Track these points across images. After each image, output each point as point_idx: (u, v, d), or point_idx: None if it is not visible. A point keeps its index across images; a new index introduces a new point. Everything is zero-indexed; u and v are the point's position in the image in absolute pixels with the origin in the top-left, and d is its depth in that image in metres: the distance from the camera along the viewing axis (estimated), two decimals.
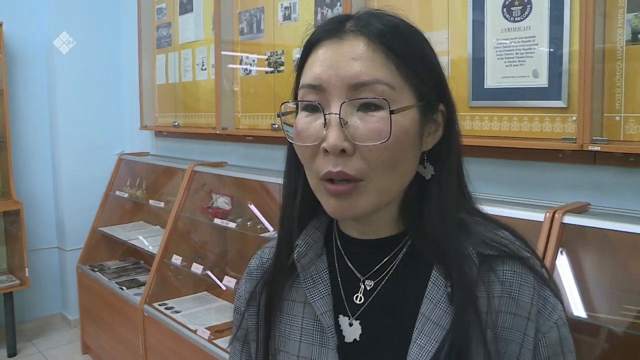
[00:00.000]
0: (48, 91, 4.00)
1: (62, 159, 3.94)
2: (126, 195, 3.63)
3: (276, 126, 2.66)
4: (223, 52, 2.95)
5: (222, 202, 2.97)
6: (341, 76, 0.67)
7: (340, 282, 0.79)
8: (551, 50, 1.66)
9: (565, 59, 1.64)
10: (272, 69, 2.71)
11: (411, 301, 0.73)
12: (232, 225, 2.63)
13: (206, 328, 2.50)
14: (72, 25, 3.87)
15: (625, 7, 1.51)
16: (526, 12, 1.71)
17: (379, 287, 0.77)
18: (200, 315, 2.77)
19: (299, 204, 0.79)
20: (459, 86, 1.84)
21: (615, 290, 1.54)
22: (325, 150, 0.67)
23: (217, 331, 2.51)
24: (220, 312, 2.82)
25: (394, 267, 0.76)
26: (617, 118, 1.57)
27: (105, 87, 4.08)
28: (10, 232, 3.86)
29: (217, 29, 2.94)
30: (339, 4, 2.35)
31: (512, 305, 0.70)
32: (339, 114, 0.67)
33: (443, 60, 1.44)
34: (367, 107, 0.67)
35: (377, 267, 0.77)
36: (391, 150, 0.67)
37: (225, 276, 2.56)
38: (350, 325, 0.77)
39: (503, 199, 1.78)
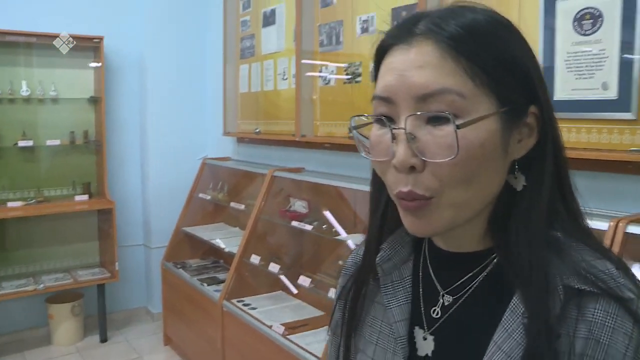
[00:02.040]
0: (139, 100, 4.31)
1: (151, 163, 4.22)
2: (209, 197, 3.85)
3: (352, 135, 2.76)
4: (303, 61, 3.09)
5: (299, 205, 3.10)
6: (408, 86, 0.62)
7: (421, 292, 0.75)
8: (621, 63, 1.67)
9: (635, 72, 1.64)
10: (349, 77, 2.82)
11: (486, 325, 0.67)
12: (309, 227, 2.76)
13: (281, 324, 2.63)
14: (161, 38, 4.16)
15: None
16: (597, 26, 1.72)
17: (457, 304, 0.72)
18: (275, 313, 2.90)
19: (383, 208, 0.76)
20: None
21: None
22: (395, 167, 0.63)
23: (290, 328, 2.64)
24: (294, 310, 2.94)
25: (475, 286, 0.71)
26: None
27: (191, 96, 4.34)
28: (102, 229, 4.18)
29: (299, 40, 3.08)
30: None
31: (599, 352, 0.59)
32: (405, 129, 0.62)
33: None
34: (437, 119, 0.61)
35: (458, 282, 0.72)
36: (462, 165, 0.61)
37: (301, 276, 2.68)
38: (425, 339, 0.73)
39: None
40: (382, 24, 2.60)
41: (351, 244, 2.55)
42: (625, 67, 1.66)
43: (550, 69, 1.84)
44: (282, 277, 3.01)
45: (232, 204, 3.54)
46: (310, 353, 2.34)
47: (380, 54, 0.67)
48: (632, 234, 1.48)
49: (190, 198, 3.97)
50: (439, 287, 0.73)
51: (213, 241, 3.57)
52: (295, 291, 3.05)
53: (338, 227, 2.79)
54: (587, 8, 1.74)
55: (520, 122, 0.65)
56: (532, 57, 0.66)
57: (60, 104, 3.99)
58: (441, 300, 0.73)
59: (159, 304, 4.16)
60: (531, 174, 0.66)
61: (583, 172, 1.83)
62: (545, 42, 1.86)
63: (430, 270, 0.75)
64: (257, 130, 3.61)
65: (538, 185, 0.66)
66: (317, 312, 2.89)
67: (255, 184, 3.64)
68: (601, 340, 0.59)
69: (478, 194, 0.64)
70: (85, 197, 3.96)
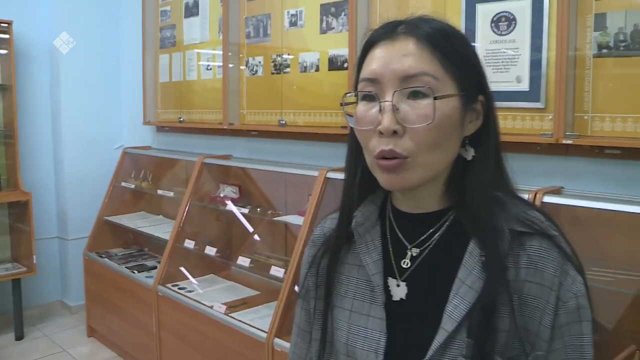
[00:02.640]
0: (51, 88, 4.18)
1: (65, 153, 4.13)
2: (133, 186, 3.86)
3: (284, 122, 2.95)
4: (230, 54, 3.21)
5: (229, 191, 3.24)
6: (393, 70, 0.78)
7: (390, 249, 0.90)
8: (532, 60, 2.00)
9: (543, 67, 1.98)
10: (277, 68, 2.99)
11: (450, 267, 0.83)
12: (245, 210, 2.91)
13: (222, 304, 2.77)
14: (73, 25, 4.06)
15: (592, 27, 1.86)
16: (511, 28, 2.05)
17: (423, 254, 0.87)
18: (212, 294, 3.03)
19: (358, 182, 0.91)
20: None
21: (585, 257, 1.89)
22: (380, 132, 0.78)
23: (231, 307, 2.78)
24: (229, 291, 3.09)
25: (437, 238, 0.86)
26: (586, 117, 1.92)
27: (106, 84, 4.28)
28: (15, 222, 4.03)
29: (225, 32, 3.20)
30: (343, 13, 2.65)
31: (537, 276, 0.78)
32: (392, 102, 0.78)
33: None
34: (416, 95, 0.78)
35: (423, 237, 0.87)
36: (435, 132, 0.78)
37: (240, 257, 2.83)
38: (398, 285, 0.88)
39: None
40: (311, 19, 2.80)
41: (290, 222, 2.74)
42: (535, 63, 1.99)
43: None
44: (218, 257, 3.13)
45: (160, 192, 3.59)
46: (257, 328, 2.50)
47: (366, 48, 0.84)
48: (547, 202, 1.82)
49: (111, 187, 3.94)
50: (406, 243, 0.88)
51: (141, 229, 3.61)
52: (233, 268, 3.18)
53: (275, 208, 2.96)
54: (502, 12, 2.06)
55: (471, 106, 0.83)
56: (479, 58, 0.85)
57: None
58: (409, 253, 0.88)
59: (78, 296, 4.11)
60: (479, 148, 0.84)
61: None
62: None
63: (397, 230, 0.90)
64: (181, 119, 3.68)
65: (485, 157, 0.84)
66: (253, 292, 3.05)
67: (179, 171, 3.71)
68: (538, 267, 0.79)
69: (441, 158, 0.81)
70: None
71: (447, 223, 0.86)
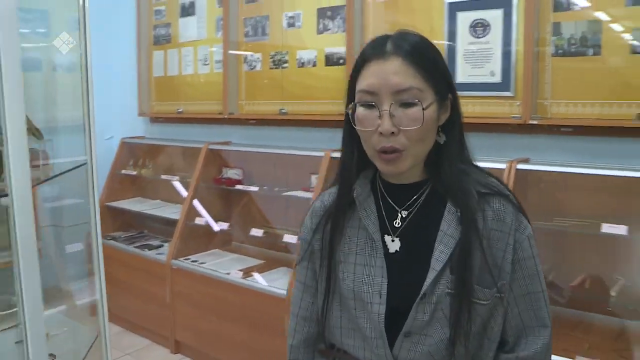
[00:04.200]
0: None
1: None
2: (134, 172, 4.16)
3: (285, 111, 3.37)
4: (230, 52, 3.59)
5: (232, 173, 3.63)
6: (388, 85, 0.98)
7: (384, 213, 1.10)
8: (503, 58, 2.53)
9: (512, 63, 2.50)
10: (276, 63, 3.40)
11: (433, 223, 1.04)
12: (255, 189, 3.32)
13: (238, 270, 3.18)
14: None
15: (551, 32, 2.40)
16: (486, 32, 2.56)
17: (411, 215, 1.08)
18: (223, 264, 3.42)
19: (355, 162, 1.11)
20: None
21: (549, 209, 2.44)
22: (380, 133, 0.99)
23: (246, 272, 3.19)
24: (237, 261, 3.48)
25: (420, 202, 1.08)
26: (546, 102, 2.46)
27: (98, 78, 4.52)
28: None
29: (226, 31, 3.57)
30: (338, 17, 3.09)
31: (499, 224, 1.02)
32: (389, 110, 0.98)
33: None
34: (408, 104, 0.98)
35: (409, 202, 1.08)
36: (422, 131, 0.99)
37: (252, 229, 3.24)
38: (392, 241, 1.08)
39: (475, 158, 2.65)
40: (309, 21, 3.22)
41: (300, 196, 3.17)
42: (506, 60, 2.51)
43: (453, 60, 2.65)
44: (231, 233, 3.51)
45: (164, 176, 3.93)
46: (276, 287, 2.93)
47: (361, 63, 1.03)
48: (519, 168, 2.37)
49: (112, 174, 4.23)
50: (396, 207, 1.09)
51: (146, 211, 3.94)
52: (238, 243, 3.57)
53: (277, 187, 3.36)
54: (479, 19, 2.57)
55: (443, 104, 1.04)
56: (445, 61, 1.06)
57: None
58: (400, 214, 1.09)
59: None
60: (449, 133, 1.06)
61: (479, 133, 2.68)
62: (449, 42, 2.66)
63: (388, 198, 1.11)
64: (180, 110, 4.02)
65: (453, 139, 1.06)
66: (258, 261, 3.46)
67: (176, 158, 4.05)
68: (499, 217, 1.03)
69: (426, 147, 1.04)
70: None
71: (427, 190, 1.08)
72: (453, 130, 1.06)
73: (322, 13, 3.17)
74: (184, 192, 3.74)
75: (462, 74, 2.64)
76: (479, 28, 2.58)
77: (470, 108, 2.63)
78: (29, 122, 1.45)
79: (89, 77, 1.97)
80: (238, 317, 3.11)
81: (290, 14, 3.32)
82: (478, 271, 1.00)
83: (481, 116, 2.62)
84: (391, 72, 0.98)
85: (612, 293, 2.24)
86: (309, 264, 1.17)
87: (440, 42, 2.68)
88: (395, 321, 1.02)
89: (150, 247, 3.81)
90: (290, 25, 3.32)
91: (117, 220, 4.30)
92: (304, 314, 1.17)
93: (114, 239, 4.05)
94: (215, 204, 3.66)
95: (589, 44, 2.32)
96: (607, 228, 2.17)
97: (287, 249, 3.31)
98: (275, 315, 2.90)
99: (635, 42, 2.22)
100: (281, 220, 3.39)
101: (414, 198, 1.08)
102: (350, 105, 1.05)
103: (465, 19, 2.62)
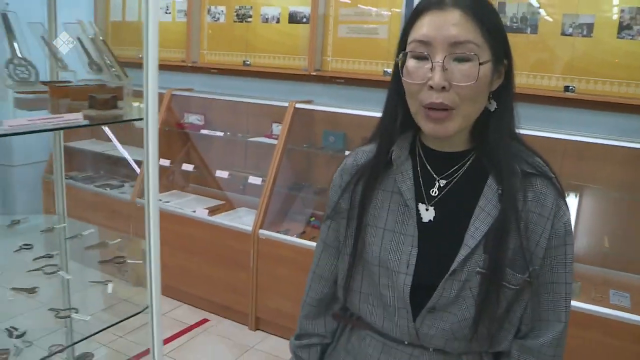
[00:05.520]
0: None
1: None
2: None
3: (249, 62, 3.61)
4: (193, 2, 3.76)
5: (194, 119, 3.85)
6: (444, 36, 0.90)
7: (421, 179, 1.03)
8: None
9: None
10: (240, 17, 3.62)
11: (471, 197, 0.98)
12: (220, 134, 3.59)
13: (203, 208, 3.46)
14: None
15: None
16: None
17: (449, 185, 1.01)
18: (185, 204, 3.68)
19: (400, 122, 1.04)
20: None
21: None
22: (431, 87, 0.90)
23: (211, 211, 3.49)
24: (198, 201, 3.76)
25: (461, 172, 1.01)
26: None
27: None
28: None
29: None
30: None
31: (539, 208, 0.96)
32: (442, 62, 0.90)
33: (384, 28, 2.73)
34: (462, 59, 0.90)
35: (449, 171, 1.01)
36: (475, 88, 0.91)
37: (217, 170, 3.52)
38: (427, 210, 1.01)
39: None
40: None
41: (263, 141, 3.47)
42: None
43: None
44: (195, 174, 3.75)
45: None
46: (241, 224, 3.26)
47: (416, 14, 0.95)
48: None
49: None
50: (434, 175, 1.03)
51: (106, 152, 4.10)
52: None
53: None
54: None
55: (497, 68, 0.96)
56: (504, 29, 0.97)
57: None
58: (437, 183, 1.02)
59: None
60: (501, 101, 0.98)
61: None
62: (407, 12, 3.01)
63: (427, 164, 1.04)
64: (141, 57, 4.12)
65: (505, 109, 0.99)
66: (218, 202, 3.75)
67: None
68: (540, 200, 0.97)
69: (476, 110, 0.95)
70: None
71: (469, 161, 1.01)
72: (506, 98, 0.99)
73: None
74: None
75: None
76: None
77: None
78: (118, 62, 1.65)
79: None
80: (207, 252, 3.40)
81: None
82: (511, 254, 0.95)
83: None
84: (450, 22, 0.91)
85: None
86: (333, 223, 1.13)
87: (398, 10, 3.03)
88: (418, 294, 0.98)
89: (112, 187, 3.99)
90: None
91: (74, 161, 4.40)
92: (321, 272, 1.16)
93: (71, 178, 4.17)
94: (179, 146, 3.88)
95: (528, 23, 2.75)
96: None
97: (244, 190, 3.63)
98: (241, 250, 3.23)
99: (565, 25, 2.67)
100: (244, 163, 3.69)
101: (455, 168, 1.02)
102: (400, 56, 0.97)
103: None
